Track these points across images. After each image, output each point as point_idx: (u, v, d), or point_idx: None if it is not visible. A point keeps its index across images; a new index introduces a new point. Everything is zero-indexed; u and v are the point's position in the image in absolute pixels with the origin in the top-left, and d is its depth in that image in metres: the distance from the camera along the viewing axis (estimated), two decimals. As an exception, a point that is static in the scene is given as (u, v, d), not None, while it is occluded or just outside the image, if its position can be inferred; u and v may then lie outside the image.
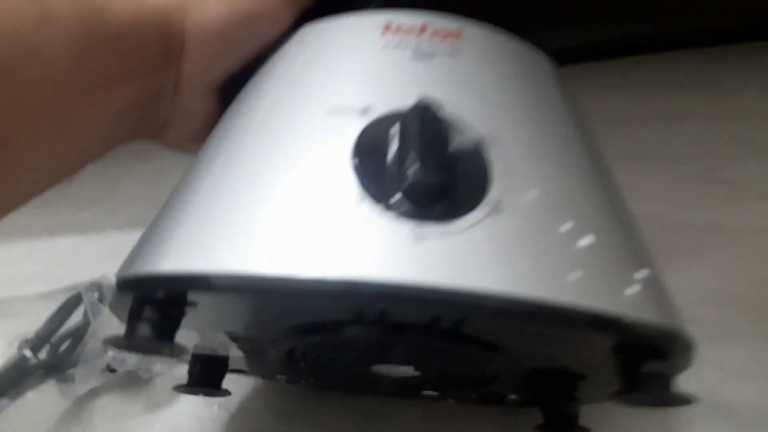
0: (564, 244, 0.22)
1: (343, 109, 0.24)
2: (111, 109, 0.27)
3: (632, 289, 0.21)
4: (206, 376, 0.31)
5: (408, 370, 0.28)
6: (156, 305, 0.21)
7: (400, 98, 0.24)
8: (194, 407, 0.39)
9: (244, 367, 0.32)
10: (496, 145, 0.23)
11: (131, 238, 0.25)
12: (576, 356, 0.25)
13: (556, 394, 0.30)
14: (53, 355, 0.37)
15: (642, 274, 0.22)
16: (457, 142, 0.22)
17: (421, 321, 0.21)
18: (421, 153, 0.21)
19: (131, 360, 0.36)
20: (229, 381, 0.38)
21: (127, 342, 0.21)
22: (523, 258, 0.20)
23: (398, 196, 0.21)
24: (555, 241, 0.21)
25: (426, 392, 0.33)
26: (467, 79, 0.26)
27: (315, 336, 0.24)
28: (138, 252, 0.23)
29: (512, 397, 0.33)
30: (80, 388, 0.38)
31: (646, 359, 0.22)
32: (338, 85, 0.25)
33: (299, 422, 0.38)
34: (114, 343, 0.21)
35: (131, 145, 0.30)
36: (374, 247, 0.20)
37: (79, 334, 0.37)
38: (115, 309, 0.24)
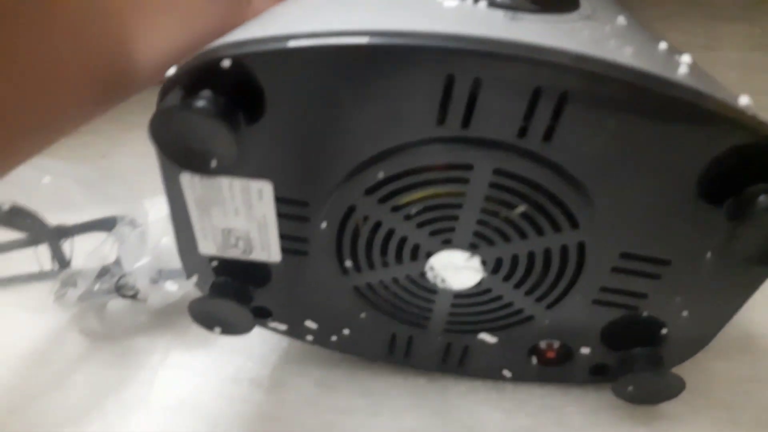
0: (662, 56, 0.20)
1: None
2: None
3: (742, 101, 0.19)
4: (232, 287, 0.27)
5: (475, 261, 0.24)
6: (219, 81, 0.19)
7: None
8: (221, 385, 0.33)
9: (275, 287, 0.28)
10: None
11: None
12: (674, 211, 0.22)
13: (642, 331, 0.26)
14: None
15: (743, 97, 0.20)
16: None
17: (508, 135, 0.19)
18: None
19: (143, 280, 0.32)
20: (253, 349, 0.34)
21: (186, 109, 0.18)
22: (626, 47, 0.19)
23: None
24: (652, 49, 0.20)
25: (483, 337, 0.28)
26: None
27: (387, 162, 0.21)
28: None
29: (585, 351, 0.28)
30: (77, 295, 0.33)
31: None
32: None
33: (344, 392, 0.32)
34: (171, 110, 0.18)
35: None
36: (472, 20, 0.19)
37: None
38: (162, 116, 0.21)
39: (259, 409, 0.32)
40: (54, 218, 0.35)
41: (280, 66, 0.19)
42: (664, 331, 0.26)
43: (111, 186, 0.34)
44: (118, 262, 0.33)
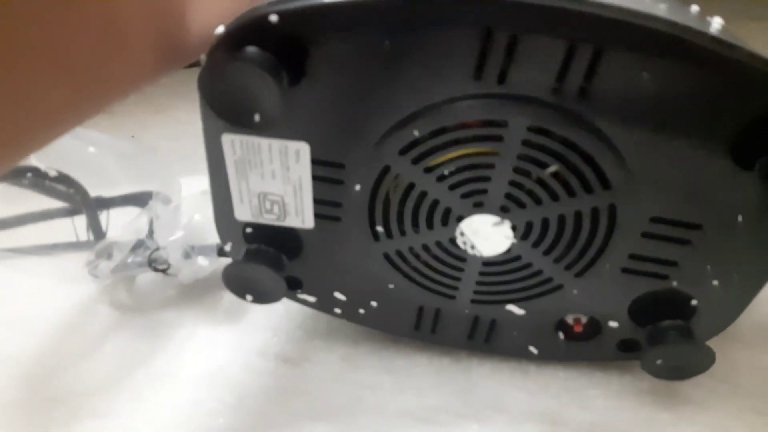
0: (695, 16, 0.21)
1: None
2: None
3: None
4: (267, 253, 0.27)
5: (505, 226, 0.24)
6: (265, 38, 0.20)
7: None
8: (248, 359, 0.33)
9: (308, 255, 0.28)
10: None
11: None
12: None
13: (672, 304, 0.26)
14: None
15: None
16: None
17: (543, 91, 0.20)
18: None
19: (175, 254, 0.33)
20: (279, 325, 0.35)
21: (235, 59, 0.19)
22: (660, 4, 0.19)
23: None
24: (685, 9, 0.21)
25: (511, 309, 0.28)
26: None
27: (423, 120, 0.21)
28: None
29: (613, 325, 0.28)
30: (111, 266, 0.34)
31: None
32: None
33: (368, 369, 0.32)
34: (221, 61, 0.19)
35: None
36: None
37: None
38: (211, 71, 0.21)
39: (284, 382, 0.32)
40: (90, 191, 0.36)
41: (323, 20, 0.20)
42: (693, 302, 0.26)
43: (147, 162, 0.35)
44: (151, 236, 0.34)
